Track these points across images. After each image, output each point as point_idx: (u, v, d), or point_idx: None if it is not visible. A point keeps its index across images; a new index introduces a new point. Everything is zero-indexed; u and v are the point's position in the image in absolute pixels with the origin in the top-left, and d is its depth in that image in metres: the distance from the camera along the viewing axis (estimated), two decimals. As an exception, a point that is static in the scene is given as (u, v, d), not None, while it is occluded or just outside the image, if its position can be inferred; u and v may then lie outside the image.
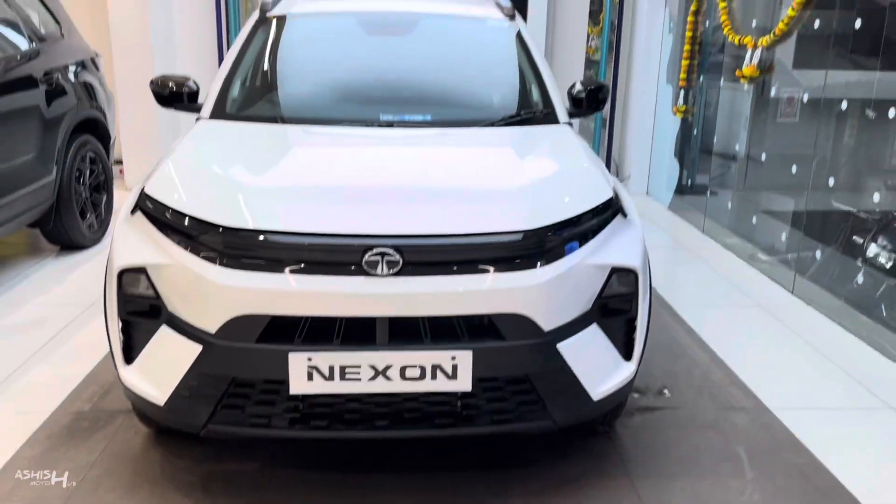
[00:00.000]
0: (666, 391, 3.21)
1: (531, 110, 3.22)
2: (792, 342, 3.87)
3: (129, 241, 2.35)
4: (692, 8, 6.13)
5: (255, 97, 3.32)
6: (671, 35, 6.75)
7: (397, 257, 2.13)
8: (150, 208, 2.35)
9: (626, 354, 2.47)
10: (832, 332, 4.03)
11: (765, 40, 4.89)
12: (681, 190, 6.66)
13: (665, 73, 6.89)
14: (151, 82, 3.34)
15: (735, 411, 3.07)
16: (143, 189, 2.44)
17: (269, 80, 3.41)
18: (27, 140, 4.43)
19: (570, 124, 3.15)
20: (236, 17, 6.81)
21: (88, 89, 5.27)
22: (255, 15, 3.62)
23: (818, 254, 4.51)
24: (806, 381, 3.40)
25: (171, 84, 3.29)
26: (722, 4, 5.54)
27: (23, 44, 4.66)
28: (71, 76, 5.07)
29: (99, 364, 3.30)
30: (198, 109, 3.19)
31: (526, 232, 2.21)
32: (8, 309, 4.00)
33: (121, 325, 2.35)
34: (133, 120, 6.74)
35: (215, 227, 2.19)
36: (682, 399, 3.15)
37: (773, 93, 5.31)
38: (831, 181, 4.44)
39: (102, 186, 5.35)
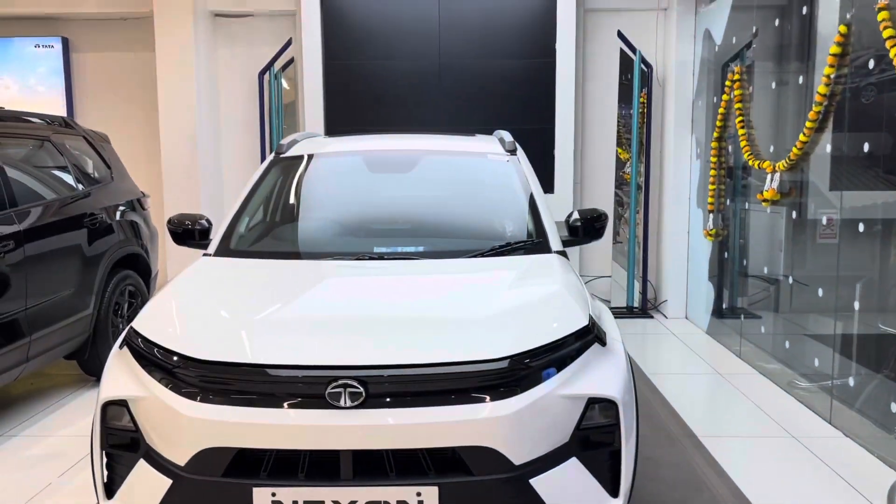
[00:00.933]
0: (676, 530, 3.02)
1: (523, 240, 3.28)
2: (826, 477, 3.62)
3: (116, 374, 2.45)
4: (714, 134, 6.23)
5: (259, 234, 3.50)
6: (699, 161, 6.83)
7: (360, 389, 2.15)
8: (135, 343, 2.45)
9: (613, 490, 2.37)
10: (872, 467, 3.76)
11: (781, 164, 4.90)
12: (717, 313, 6.52)
13: (696, 198, 6.92)
14: (169, 221, 3.56)
15: (750, 554, 2.86)
16: (131, 325, 2.55)
17: (274, 218, 3.60)
18: (67, 276, 4.71)
19: (563, 253, 3.19)
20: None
21: (133, 227, 5.62)
22: (271, 156, 3.87)
23: (860, 381, 4.30)
24: (834, 521, 3.16)
25: (186, 222, 3.50)
26: (741, 131, 5.61)
27: (72, 187, 5.04)
28: (117, 215, 5.43)
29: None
30: (207, 246, 3.37)
31: (490, 360, 2.21)
32: (31, 442, 4.12)
33: (104, 458, 2.40)
34: (179, 252, 7.09)
35: (186, 359, 2.27)
36: (692, 539, 2.96)
37: (809, 214, 5.25)
38: (876, 304, 4.28)
39: (140, 318, 5.58)
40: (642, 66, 7.01)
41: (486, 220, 3.49)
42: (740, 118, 5.65)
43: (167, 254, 7.00)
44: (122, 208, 5.53)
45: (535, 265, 3.03)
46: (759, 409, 4.63)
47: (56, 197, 4.81)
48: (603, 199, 7.37)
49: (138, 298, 5.54)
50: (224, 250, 3.23)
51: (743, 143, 5.57)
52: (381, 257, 3.05)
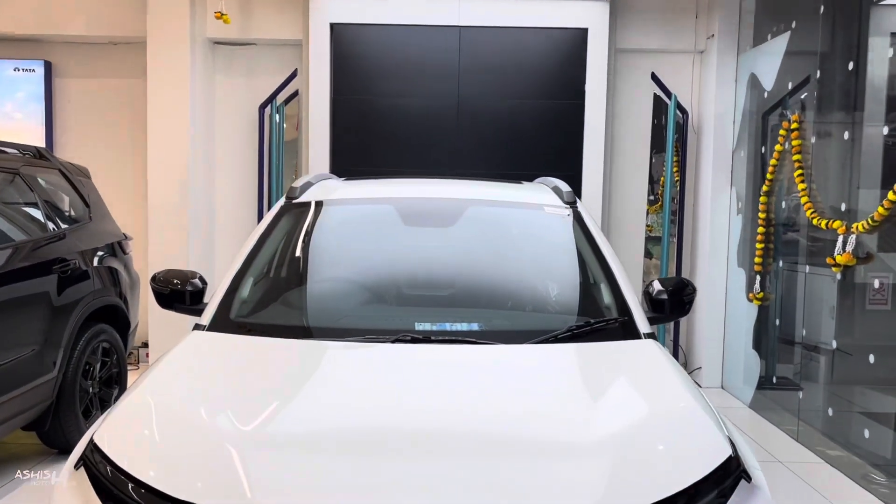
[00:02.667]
0: None
1: (603, 318, 2.60)
2: None
3: (64, 510, 1.73)
4: (764, 189, 5.64)
5: (267, 300, 2.81)
6: (740, 216, 6.23)
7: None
8: (97, 469, 1.75)
9: None
10: None
11: (860, 225, 4.29)
12: (764, 385, 5.85)
13: (735, 257, 6.30)
14: (153, 279, 2.87)
15: None
16: (91, 437, 1.85)
17: (286, 281, 2.91)
18: (29, 333, 3.98)
19: (654, 336, 2.52)
20: (278, 199, 6.57)
21: (112, 274, 4.91)
22: (281, 201, 3.20)
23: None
24: None
25: (174, 281, 2.81)
26: (801, 185, 5.02)
27: (42, 227, 4.34)
28: (94, 261, 4.73)
29: None
30: (200, 312, 2.67)
31: None
32: (-30, 540, 3.35)
33: None
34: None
35: (172, 501, 1.56)
36: None
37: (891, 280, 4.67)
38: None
39: (115, 379, 4.84)
40: (677, 111, 6.46)
41: (553, 290, 2.83)
42: (800, 171, 5.07)
43: (149, 302, 6.27)
44: (100, 253, 4.83)
45: (634, 358, 2.35)
46: (843, 513, 3.94)
47: (24, 239, 4.11)
48: (631, 253, 6.74)
49: (113, 357, 4.81)
50: (221, 322, 2.52)
51: (804, 199, 4.97)
52: (425, 339, 2.34)
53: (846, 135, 4.66)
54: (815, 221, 4.82)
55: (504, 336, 2.41)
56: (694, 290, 2.80)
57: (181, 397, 2.02)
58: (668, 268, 6.59)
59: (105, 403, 4.73)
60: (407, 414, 1.91)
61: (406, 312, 2.66)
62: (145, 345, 6.58)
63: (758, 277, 5.78)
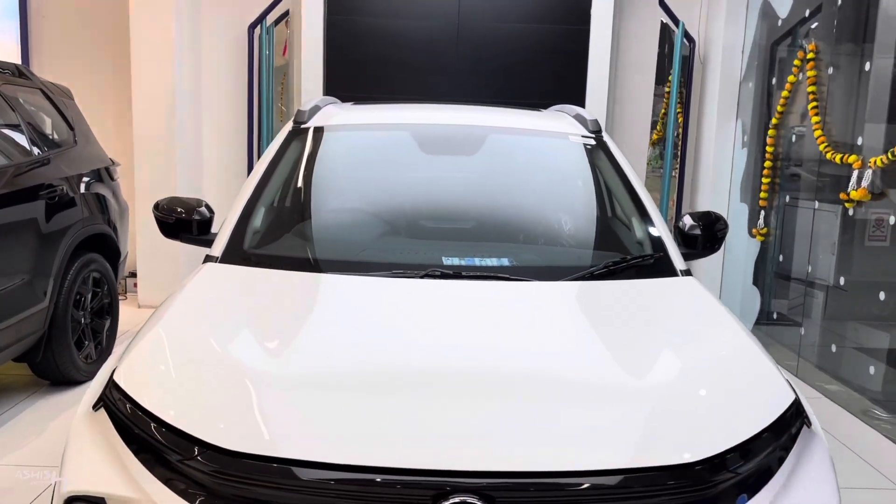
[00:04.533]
0: None
1: (638, 254, 2.47)
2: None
3: (86, 454, 1.61)
4: (773, 122, 5.50)
5: (281, 230, 2.64)
6: (745, 150, 6.10)
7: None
8: (117, 407, 1.62)
9: None
10: None
11: (879, 160, 4.18)
12: (762, 321, 5.84)
13: (738, 192, 6.20)
14: (156, 206, 2.69)
15: None
16: (111, 375, 1.72)
17: (301, 209, 2.74)
18: (19, 261, 3.80)
19: (690, 273, 2.41)
20: (269, 127, 6.31)
21: (100, 201, 4.70)
22: (288, 126, 3.00)
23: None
24: None
25: (178, 209, 2.63)
26: (815, 119, 4.88)
27: (26, 151, 4.10)
28: (81, 187, 4.51)
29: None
30: (210, 243, 2.51)
31: (678, 467, 1.43)
32: (-34, 474, 3.24)
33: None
34: (151, 230, 6.16)
35: (206, 446, 1.45)
36: None
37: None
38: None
39: (106, 310, 4.68)
40: (685, 40, 6.23)
41: (583, 224, 2.69)
42: (814, 103, 4.92)
43: (136, 231, 6.08)
44: (86, 179, 4.60)
45: (678, 296, 2.23)
46: (846, 447, 3.96)
47: (7, 163, 3.88)
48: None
49: (104, 287, 4.64)
50: (235, 253, 2.36)
51: (818, 133, 4.84)
52: (456, 274, 2.20)
53: (867, 66, 4.50)
54: (828, 156, 4.70)
55: (538, 272, 2.29)
56: (726, 225, 2.69)
57: (202, 333, 1.88)
58: (668, 201, 6.49)
59: (97, 334, 4.59)
60: (446, 354, 1.79)
61: (431, 246, 2.52)
62: (133, 275, 6.41)
63: (762, 213, 5.70)
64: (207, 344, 1.81)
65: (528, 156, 2.90)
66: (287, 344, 1.81)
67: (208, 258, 2.36)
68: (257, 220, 2.53)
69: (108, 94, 6.48)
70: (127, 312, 5.77)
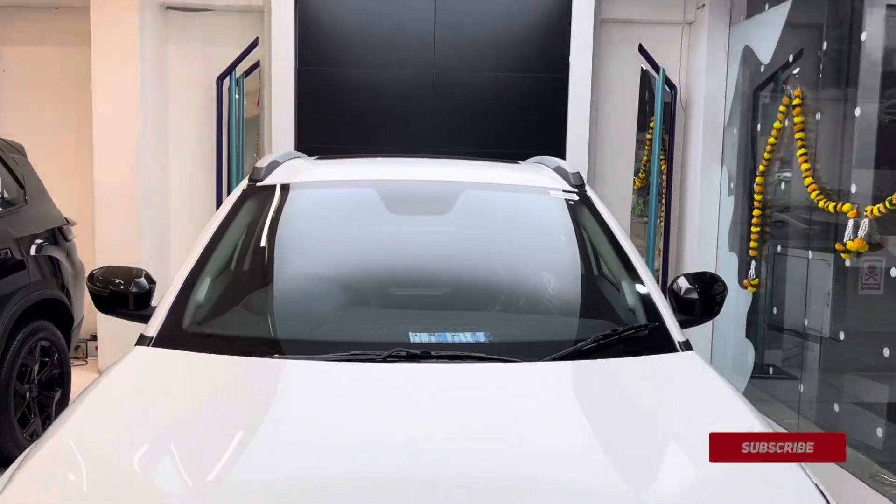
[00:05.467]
0: None
1: (631, 325, 2.20)
2: None
3: None
4: (760, 168, 5.32)
5: (228, 304, 2.35)
6: (731, 197, 5.92)
7: None
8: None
9: None
10: None
11: (875, 209, 3.98)
12: (758, 375, 5.57)
13: (726, 240, 5.99)
14: (89, 278, 2.40)
15: None
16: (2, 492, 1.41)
17: (250, 280, 2.46)
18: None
19: (689, 346, 2.14)
20: (239, 182, 6.06)
21: (52, 264, 4.40)
22: (243, 184, 2.73)
23: None
24: None
25: (116, 280, 2.34)
26: (805, 166, 4.70)
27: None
28: (32, 249, 4.21)
29: None
30: (147, 318, 2.21)
31: None
32: None
33: None
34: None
35: None
36: None
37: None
38: None
39: (56, 382, 4.34)
40: (666, 87, 6.09)
41: (570, 289, 2.43)
42: (803, 150, 4.74)
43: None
44: (38, 240, 4.31)
45: (680, 378, 1.96)
46: (860, 520, 3.65)
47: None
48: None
49: (54, 356, 4.30)
50: (172, 334, 2.06)
51: (808, 181, 4.65)
52: (424, 354, 1.91)
53: (857, 111, 4.33)
54: (821, 204, 4.50)
55: (518, 350, 2.01)
56: (724, 286, 2.44)
57: (112, 447, 1.57)
58: (654, 251, 6.27)
59: (45, 408, 4.24)
60: (409, 462, 1.50)
61: (398, 317, 2.24)
62: (94, 337, 6.06)
63: (752, 262, 5.48)
64: (117, 462, 1.50)
65: (505, 214, 2.65)
66: (216, 462, 1.50)
67: (142, 339, 2.06)
68: (201, 293, 2.25)
69: (69, 150, 6.21)
70: (85, 379, 5.41)
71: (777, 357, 5.41)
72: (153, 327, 2.08)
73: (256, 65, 6.13)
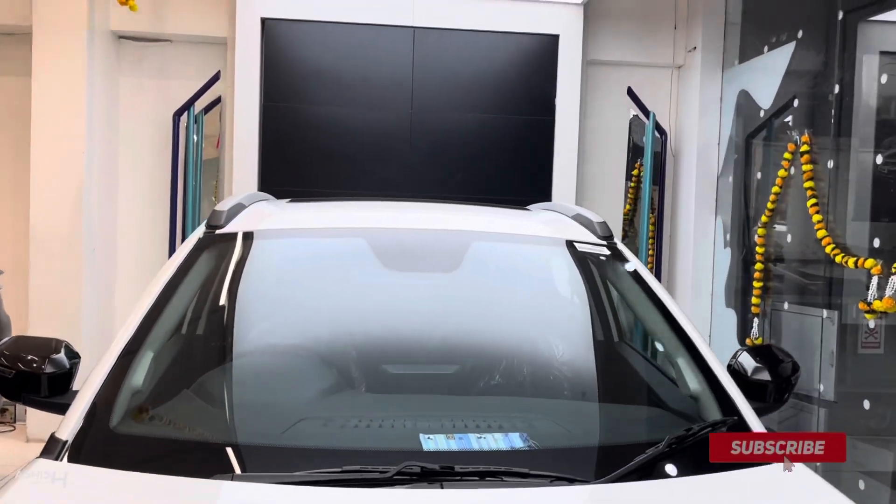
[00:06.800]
0: None
1: (695, 415, 1.71)
2: None
3: None
4: (763, 219, 4.96)
5: (174, 391, 1.80)
6: (728, 249, 5.55)
7: None
8: None
9: None
10: None
11: (907, 266, 3.61)
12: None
13: (723, 296, 5.60)
14: (-8, 352, 1.83)
15: None
16: None
17: (203, 357, 1.92)
18: None
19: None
20: (195, 228, 5.50)
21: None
22: (199, 232, 2.21)
23: None
24: None
25: (27, 357, 1.78)
26: (817, 217, 4.34)
27: None
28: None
29: None
30: (65, 409, 1.65)
31: None
32: None
33: None
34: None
35: None
36: None
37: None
38: None
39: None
40: (656, 132, 5.76)
41: (614, 368, 1.94)
42: (814, 201, 4.39)
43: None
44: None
45: None
46: None
47: None
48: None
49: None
50: (94, 440, 1.50)
51: (822, 234, 4.29)
52: (442, 475, 1.38)
53: (879, 158, 4.00)
54: (838, 259, 4.13)
55: (571, 462, 1.51)
56: (796, 366, 1.97)
57: None
58: (645, 307, 5.86)
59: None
60: None
61: (398, 408, 1.72)
62: (24, 401, 5.35)
63: (755, 320, 5.08)
64: None
65: (525, 271, 2.17)
66: None
67: (49, 446, 1.49)
68: (139, 374, 1.70)
69: (3, 188, 5.59)
70: (12, 448, 4.78)
71: (784, 424, 4.99)
72: (68, 427, 1.52)
73: (217, 101, 5.64)
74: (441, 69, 5.57)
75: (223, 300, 1.98)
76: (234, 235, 2.11)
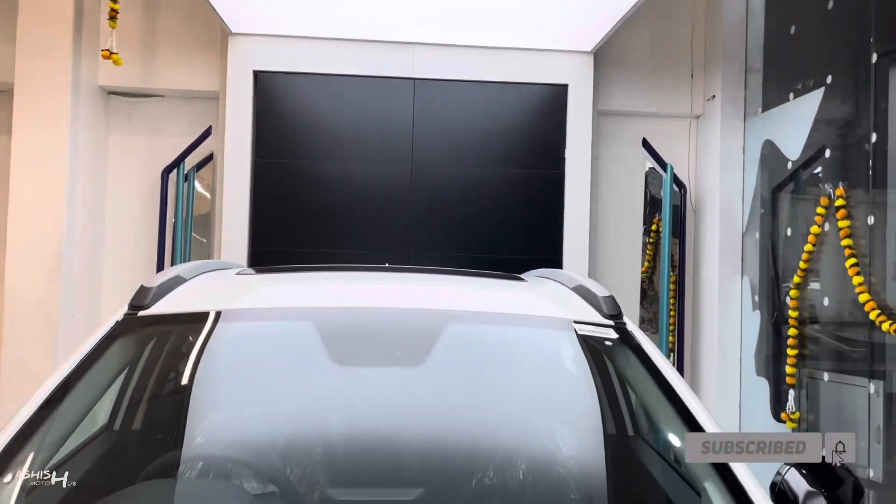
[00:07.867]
0: None
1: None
2: None
3: None
4: (795, 280, 4.51)
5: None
6: (756, 312, 5.09)
7: None
8: None
9: None
10: None
11: (969, 336, 3.15)
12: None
13: (753, 363, 5.12)
14: None
15: None
16: None
17: (106, 474, 1.52)
18: None
19: None
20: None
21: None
22: (118, 314, 1.83)
23: None
24: None
25: None
26: (857, 280, 3.90)
27: None
28: None
29: None
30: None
31: None
32: None
33: None
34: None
35: None
36: None
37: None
38: None
39: None
40: (674, 185, 5.37)
41: (630, 487, 1.52)
42: (854, 261, 3.95)
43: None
44: None
45: None
46: None
47: None
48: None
49: None
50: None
51: (864, 297, 3.84)
52: None
53: (927, 213, 3.58)
54: (885, 327, 3.67)
55: None
56: (861, 490, 1.53)
57: None
58: (667, 374, 5.37)
59: None
60: None
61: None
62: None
63: (791, 391, 4.59)
64: None
65: (511, 362, 1.76)
66: None
67: None
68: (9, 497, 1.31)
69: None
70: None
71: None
72: None
73: (210, 157, 5.35)
74: (443, 122, 5.26)
75: (131, 406, 1.58)
76: (155, 318, 1.73)
